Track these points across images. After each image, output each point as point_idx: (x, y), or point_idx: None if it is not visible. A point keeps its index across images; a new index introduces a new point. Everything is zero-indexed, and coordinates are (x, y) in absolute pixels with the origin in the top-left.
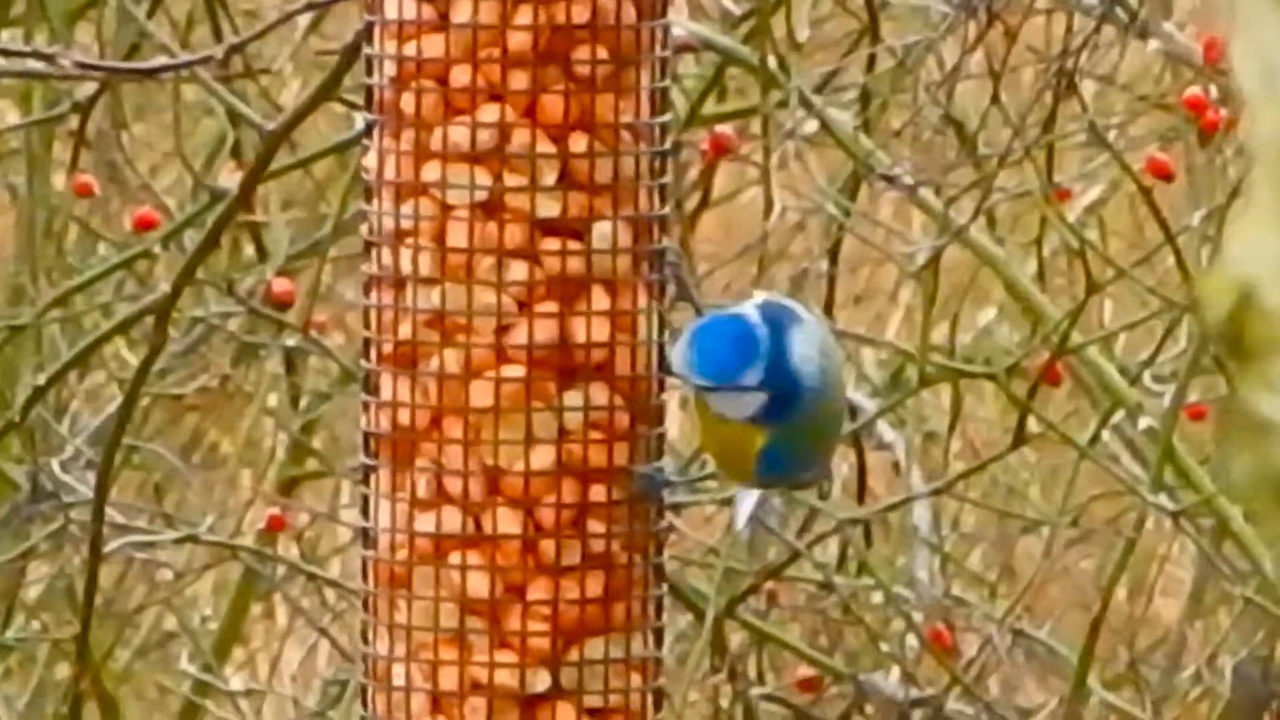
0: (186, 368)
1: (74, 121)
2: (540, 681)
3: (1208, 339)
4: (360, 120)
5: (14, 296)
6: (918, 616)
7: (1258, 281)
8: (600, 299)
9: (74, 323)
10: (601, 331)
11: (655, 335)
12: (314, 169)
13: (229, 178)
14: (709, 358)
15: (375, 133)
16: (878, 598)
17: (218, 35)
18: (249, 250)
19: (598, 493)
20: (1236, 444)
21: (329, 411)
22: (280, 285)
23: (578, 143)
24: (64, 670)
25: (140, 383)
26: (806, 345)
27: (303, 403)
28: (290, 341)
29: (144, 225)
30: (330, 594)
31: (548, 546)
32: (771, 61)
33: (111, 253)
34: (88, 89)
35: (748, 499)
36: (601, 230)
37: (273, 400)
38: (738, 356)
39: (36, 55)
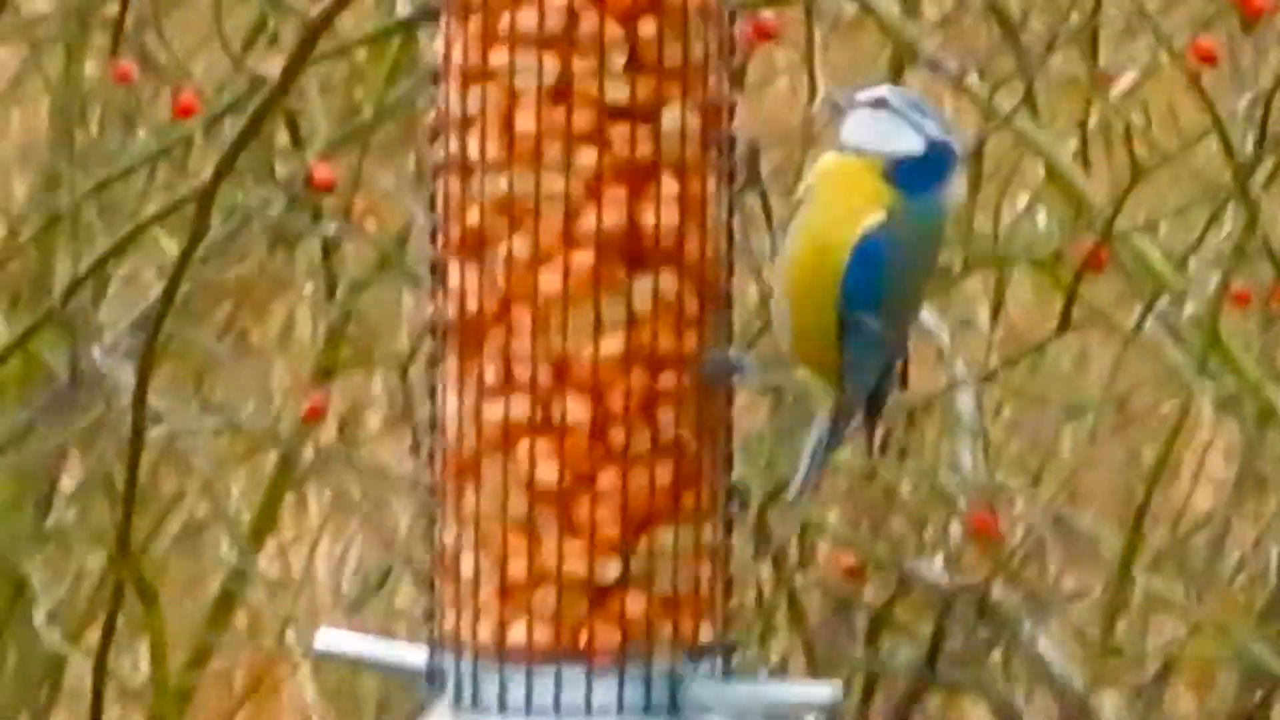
0: (224, 255)
1: (110, 7)
2: (610, 570)
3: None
4: (401, 4)
5: (50, 182)
6: (962, 503)
7: None
8: (669, 184)
9: (112, 210)
10: (670, 217)
11: (724, 220)
12: (351, 55)
13: (268, 63)
14: (902, 93)
15: (442, 18)
16: (921, 487)
17: None
18: (282, 138)
19: (667, 380)
20: None
21: (365, 301)
22: (322, 171)
23: (646, 26)
24: (100, 560)
25: (182, 271)
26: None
27: (339, 291)
28: (330, 228)
29: (184, 111)
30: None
31: (617, 434)
32: None
33: (149, 139)
34: None
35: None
36: (671, 115)
37: (309, 289)
38: (926, 108)
39: None
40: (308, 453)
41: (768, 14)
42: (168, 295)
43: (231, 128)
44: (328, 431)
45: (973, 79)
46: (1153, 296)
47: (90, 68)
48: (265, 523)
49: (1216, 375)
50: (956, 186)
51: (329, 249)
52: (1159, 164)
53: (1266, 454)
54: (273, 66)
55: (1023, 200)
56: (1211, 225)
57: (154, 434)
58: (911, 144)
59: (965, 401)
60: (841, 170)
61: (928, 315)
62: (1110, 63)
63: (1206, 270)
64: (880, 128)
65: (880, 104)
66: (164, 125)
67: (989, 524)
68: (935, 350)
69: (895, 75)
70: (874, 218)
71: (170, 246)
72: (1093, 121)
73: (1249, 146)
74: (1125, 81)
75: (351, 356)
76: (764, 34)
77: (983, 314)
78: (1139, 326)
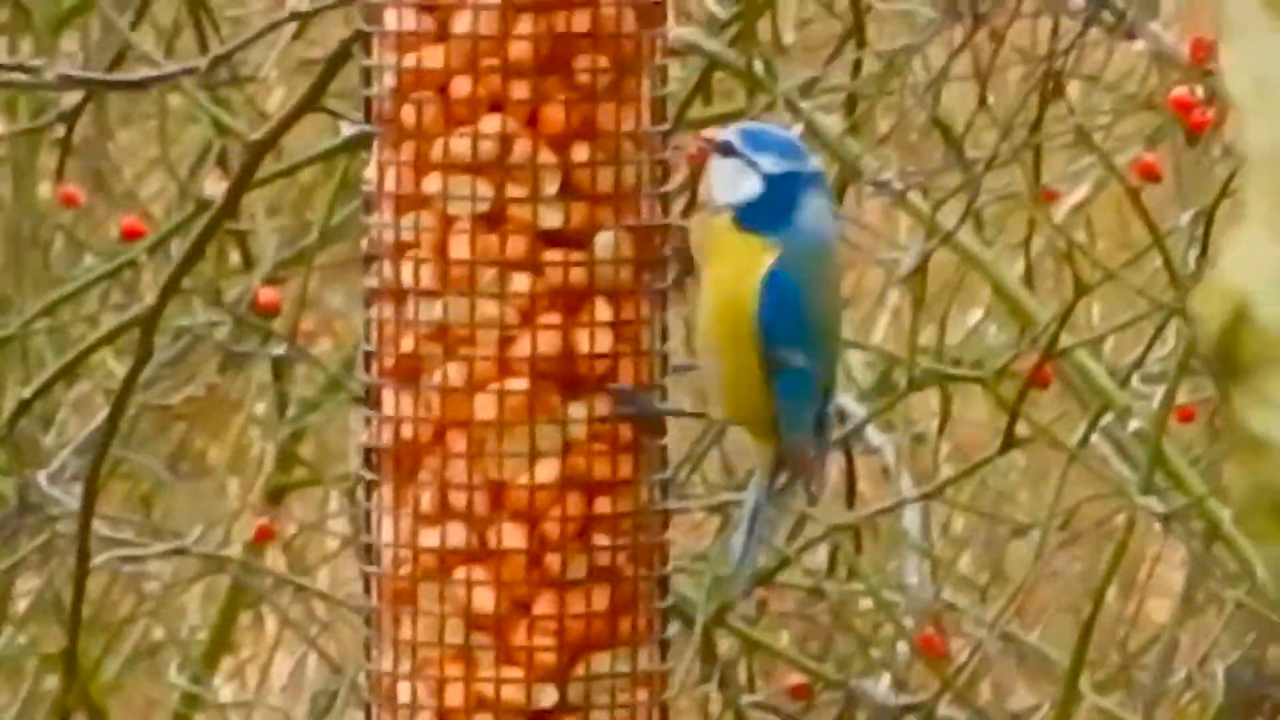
0: (173, 377)
1: (60, 130)
2: (547, 697)
3: (1201, 355)
4: (345, 127)
5: (0, 307)
6: (908, 621)
7: (1252, 295)
8: (603, 310)
9: (60, 333)
10: (605, 342)
11: (658, 345)
12: (299, 175)
13: (215, 185)
14: (746, 130)
15: (375, 144)
16: (868, 603)
17: (203, 44)
18: (235, 258)
19: (603, 505)
20: (1233, 462)
21: (316, 420)
22: (266, 294)
23: (579, 152)
24: (52, 682)
25: (127, 393)
26: (818, 207)
27: (290, 411)
28: (277, 350)
29: (131, 234)
30: (319, 605)
31: (553, 560)
32: (757, 65)
33: (98, 262)
34: (73, 97)
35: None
36: (604, 240)
37: (260, 409)
38: (768, 139)
39: (20, 69)
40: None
41: (712, 132)
42: (113, 418)
43: (178, 250)
44: (281, 552)
45: (916, 196)
46: (1098, 412)
47: (42, 190)
48: (220, 645)
49: (1163, 491)
50: (819, 207)
51: (279, 370)
52: (1102, 280)
53: (1214, 570)
54: (218, 188)
55: (974, 316)
56: (1155, 341)
57: (102, 558)
58: (751, 186)
59: (911, 519)
60: (712, 232)
61: (873, 432)
62: (1057, 178)
63: (1151, 386)
64: (727, 176)
65: (726, 149)
66: (112, 248)
67: (936, 642)
68: (881, 467)
69: (840, 191)
70: (767, 260)
71: (119, 370)
72: (1039, 238)
73: (1191, 262)
74: (1074, 198)
75: (303, 478)
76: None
77: (931, 429)
78: (1084, 442)
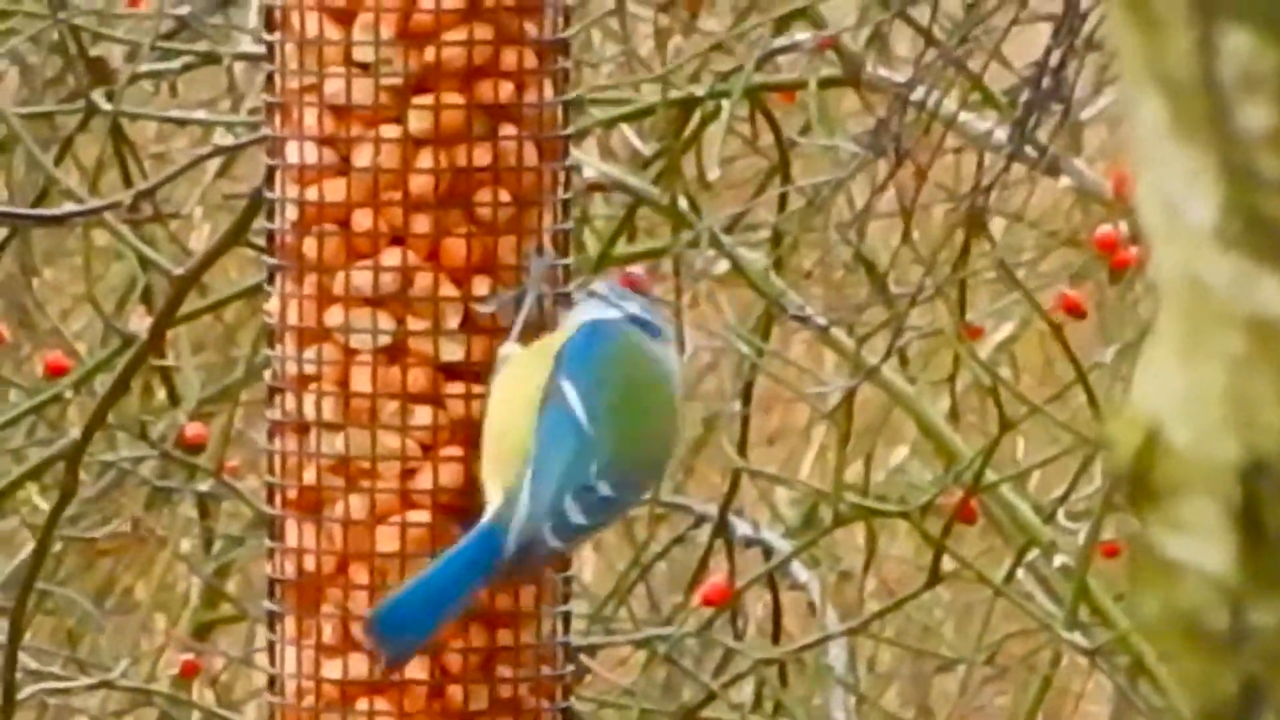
0: (99, 512)
1: None
2: None
3: (1115, 478)
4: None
5: None
6: None
7: (1163, 419)
8: None
9: None
10: None
11: None
12: (225, 313)
13: (139, 322)
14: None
15: (278, 278)
16: None
17: (126, 180)
18: (161, 394)
19: (505, 637)
20: (1143, 584)
21: (242, 556)
22: (192, 429)
23: (480, 285)
24: None
25: (52, 528)
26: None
27: (216, 547)
28: (203, 486)
29: (55, 370)
30: None
31: (455, 692)
32: (682, 202)
33: (22, 398)
34: None
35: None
36: None
37: (186, 545)
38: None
39: None
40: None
41: (636, 269)
42: (38, 552)
43: (104, 386)
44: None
45: (841, 333)
46: (1023, 548)
47: None
48: None
49: (1088, 627)
50: (670, 353)
51: (205, 507)
52: (1026, 415)
53: (1138, 705)
54: (143, 324)
55: (899, 454)
56: (1080, 477)
57: (29, 692)
58: (611, 316)
59: (837, 654)
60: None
61: (799, 568)
62: (981, 315)
63: (1076, 522)
64: (586, 308)
65: (591, 293)
66: (36, 383)
67: None
68: (807, 602)
69: (765, 327)
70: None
71: (44, 505)
72: (964, 374)
73: (1117, 398)
74: (998, 335)
75: (229, 614)
76: (633, 287)
77: (857, 564)
78: (1009, 578)
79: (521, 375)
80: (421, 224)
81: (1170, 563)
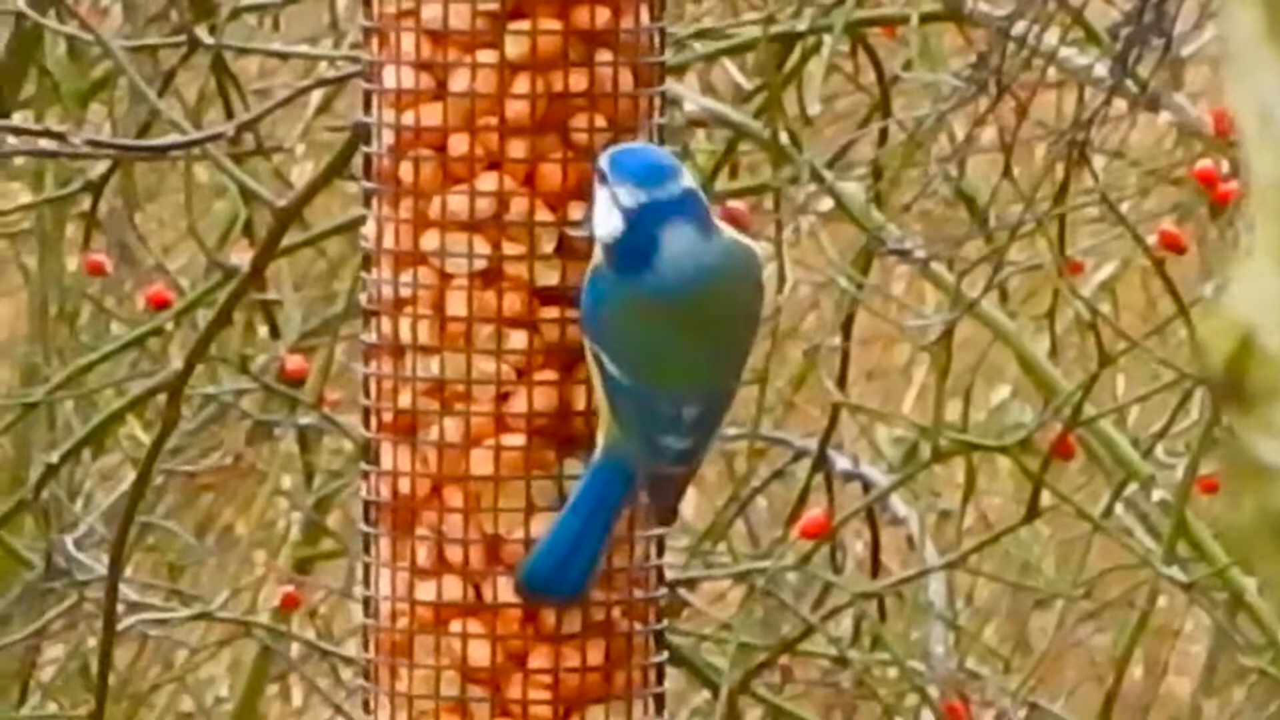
0: (200, 446)
1: (86, 201)
2: None
3: (1208, 384)
4: None
5: (27, 376)
6: (933, 691)
7: (1258, 325)
8: None
9: (87, 401)
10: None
11: None
12: (326, 248)
13: (241, 256)
14: (616, 154)
15: (374, 201)
16: (893, 672)
17: (229, 115)
18: (263, 330)
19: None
20: (1238, 489)
21: (342, 491)
22: (293, 362)
23: (576, 211)
24: None
25: (153, 459)
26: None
27: (316, 481)
28: (304, 419)
29: (157, 303)
30: (345, 672)
31: (548, 614)
32: (783, 136)
33: (124, 331)
34: (100, 168)
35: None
36: None
37: (286, 481)
38: (631, 164)
39: (48, 134)
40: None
41: (737, 203)
42: (139, 482)
43: (205, 320)
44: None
45: (939, 266)
46: (1121, 483)
47: (70, 262)
48: (246, 715)
49: (1186, 562)
50: (681, 239)
51: (306, 441)
52: (1125, 350)
53: (1236, 640)
54: (245, 258)
55: (1000, 393)
56: (1179, 412)
57: (129, 623)
58: (612, 223)
59: (936, 589)
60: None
61: (898, 503)
62: (1082, 252)
63: (1175, 457)
64: (599, 209)
65: (600, 176)
66: (138, 317)
67: (960, 712)
68: (905, 537)
69: (865, 262)
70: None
71: (146, 440)
72: (1064, 311)
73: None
74: (1100, 274)
75: (329, 549)
76: (733, 223)
77: (956, 503)
78: (1107, 513)
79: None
80: (517, 149)
81: (1265, 467)
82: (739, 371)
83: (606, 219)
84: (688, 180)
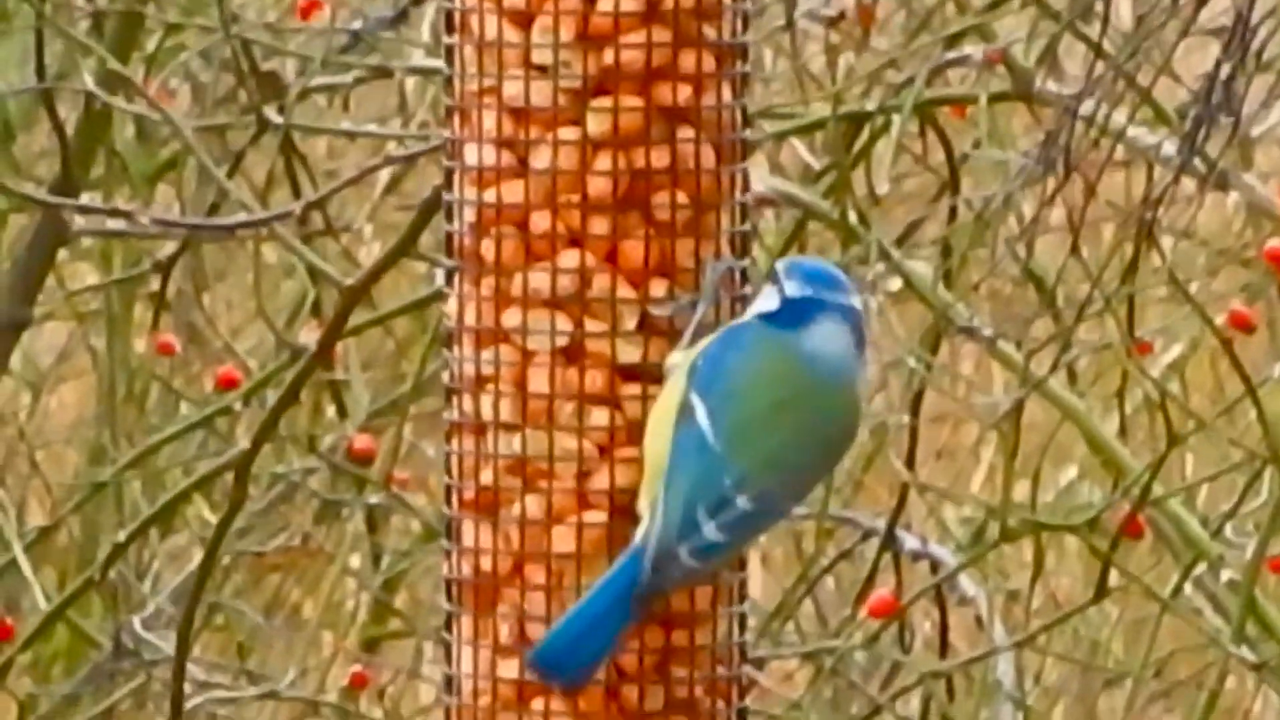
0: (267, 526)
1: (154, 282)
2: None
3: None
4: (440, 277)
5: (95, 457)
6: None
7: None
8: None
9: (155, 481)
10: None
11: None
12: (394, 329)
13: (309, 336)
14: (793, 261)
15: (455, 279)
16: None
17: (296, 195)
18: (330, 411)
19: (680, 638)
20: None
21: (410, 571)
22: (361, 441)
23: (658, 288)
24: None
25: (220, 537)
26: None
27: (384, 561)
28: (373, 499)
29: (226, 383)
30: None
31: (631, 692)
32: (851, 216)
33: (192, 412)
34: (168, 249)
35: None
36: None
37: (354, 561)
38: (804, 269)
39: (116, 213)
40: None
41: None
42: (205, 565)
43: (273, 399)
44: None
45: (1007, 345)
46: (1190, 563)
47: (137, 344)
48: None
49: (1255, 642)
50: (831, 331)
51: (373, 521)
52: (1195, 430)
53: None
54: (313, 338)
55: (1068, 474)
56: (1249, 491)
57: (197, 702)
58: (770, 303)
59: (1005, 669)
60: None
61: (967, 582)
62: (1150, 333)
63: (1244, 538)
64: (761, 297)
65: (773, 276)
66: (206, 398)
67: None
68: (974, 617)
69: (934, 340)
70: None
71: (214, 520)
72: (1133, 391)
73: None
74: (1168, 355)
75: (397, 629)
76: None
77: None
78: (1176, 592)
79: (670, 389)
80: (599, 226)
81: None
82: (805, 490)
83: (764, 302)
84: (858, 300)
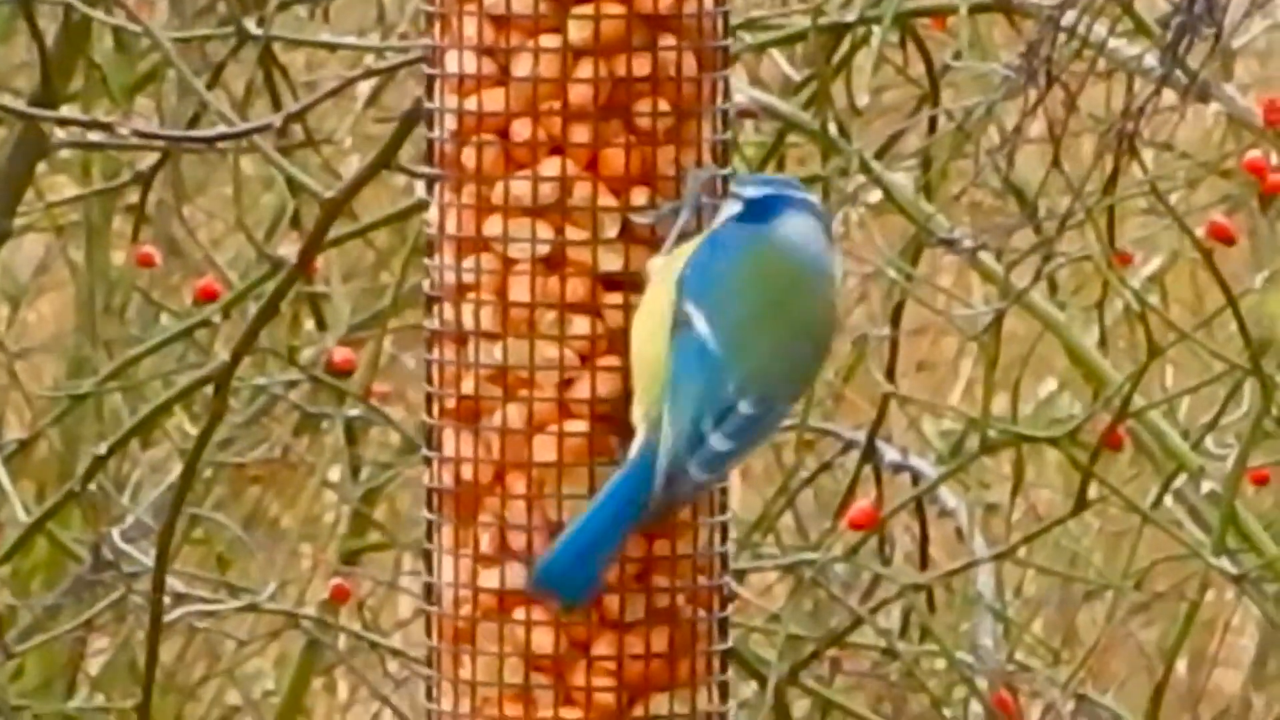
0: (248, 438)
1: (134, 195)
2: None
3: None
4: (420, 190)
5: (75, 369)
6: (981, 683)
7: None
8: None
9: (136, 393)
10: None
11: None
12: (374, 240)
13: (289, 248)
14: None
15: (436, 187)
16: (941, 664)
17: (277, 107)
18: (310, 323)
19: (662, 547)
20: None
21: (390, 484)
22: (341, 354)
23: (639, 196)
24: None
25: (201, 450)
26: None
27: (364, 474)
28: (352, 411)
29: (205, 295)
30: (393, 664)
31: (612, 601)
32: (832, 128)
33: (173, 323)
34: (148, 161)
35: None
36: None
37: (334, 473)
38: (759, 178)
39: (95, 125)
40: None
41: None
42: (187, 473)
43: (253, 312)
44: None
45: (987, 256)
46: (1171, 475)
47: (117, 256)
48: (293, 709)
49: (1235, 554)
50: (802, 224)
51: (353, 433)
52: (1175, 342)
53: None
54: (293, 250)
55: (1047, 386)
56: (1229, 403)
57: (176, 615)
58: (734, 208)
59: (985, 580)
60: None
61: (947, 495)
62: (1131, 243)
63: (1225, 449)
64: (723, 209)
65: (733, 193)
66: (186, 310)
67: (1008, 704)
68: (954, 529)
69: (914, 252)
70: (724, 216)
71: (194, 433)
72: (1113, 303)
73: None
74: (1148, 267)
75: (377, 541)
76: None
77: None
78: (1156, 504)
79: (655, 295)
80: (580, 134)
81: None
82: (801, 389)
83: (725, 210)
84: (817, 198)
